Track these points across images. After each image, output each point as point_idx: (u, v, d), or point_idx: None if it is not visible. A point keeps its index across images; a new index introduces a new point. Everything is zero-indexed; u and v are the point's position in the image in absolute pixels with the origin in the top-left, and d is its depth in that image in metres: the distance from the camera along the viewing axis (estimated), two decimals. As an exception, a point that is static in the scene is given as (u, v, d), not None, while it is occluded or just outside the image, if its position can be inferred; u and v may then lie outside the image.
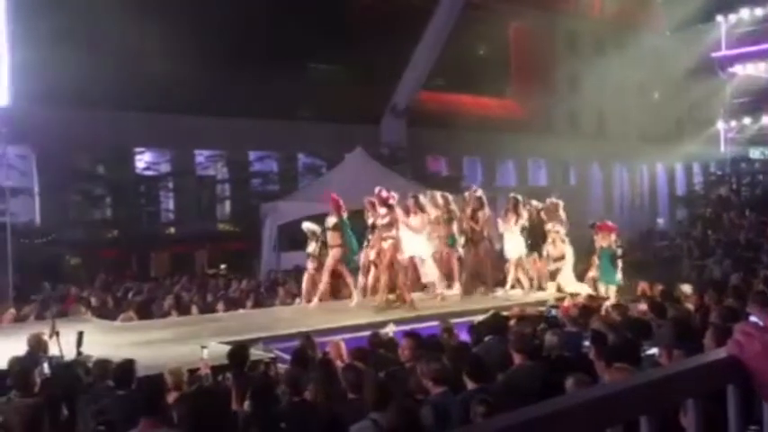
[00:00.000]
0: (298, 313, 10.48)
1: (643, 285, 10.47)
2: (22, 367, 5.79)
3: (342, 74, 24.55)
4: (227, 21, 20.03)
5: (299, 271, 13.49)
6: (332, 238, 10.86)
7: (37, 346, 6.59)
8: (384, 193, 10.38)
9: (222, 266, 19.64)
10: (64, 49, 16.11)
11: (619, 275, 10.99)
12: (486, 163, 29.69)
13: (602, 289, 10.92)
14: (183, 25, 18.84)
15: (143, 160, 21.83)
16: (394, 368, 5.23)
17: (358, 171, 18.52)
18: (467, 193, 12.17)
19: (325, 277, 10.90)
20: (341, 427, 4.14)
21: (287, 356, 6.52)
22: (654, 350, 5.61)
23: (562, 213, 11.82)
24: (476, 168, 29.59)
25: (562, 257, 11.15)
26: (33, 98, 15.64)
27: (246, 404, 4.83)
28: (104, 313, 11.50)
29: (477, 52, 31.03)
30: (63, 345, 6.69)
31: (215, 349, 7.15)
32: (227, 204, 24.73)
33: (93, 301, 12.90)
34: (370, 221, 10.79)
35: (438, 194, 11.66)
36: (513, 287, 11.46)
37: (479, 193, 11.90)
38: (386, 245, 10.23)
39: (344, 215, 10.95)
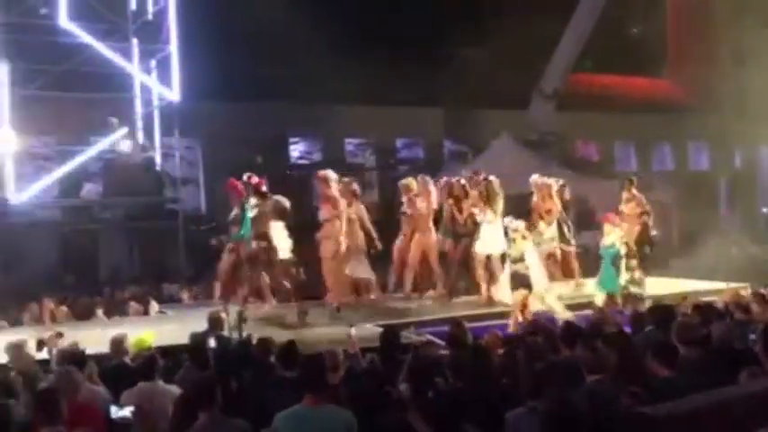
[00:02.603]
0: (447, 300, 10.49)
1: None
2: (198, 342, 6.32)
3: (489, 58, 24.25)
4: (373, 9, 20.42)
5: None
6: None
7: (216, 323, 7.10)
8: (255, 179, 8.80)
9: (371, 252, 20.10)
10: (226, 45, 17.18)
11: (622, 280, 9.17)
12: (640, 147, 28.32)
13: (598, 296, 9.09)
14: (332, 17, 19.42)
15: (297, 149, 22.83)
16: (550, 356, 5.17)
17: (504, 157, 18.30)
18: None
19: (222, 276, 9.24)
20: (498, 412, 4.16)
21: (440, 342, 6.62)
22: None
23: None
24: (629, 153, 28.33)
25: (521, 259, 8.96)
26: (200, 93, 16.80)
27: (403, 386, 4.95)
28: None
29: (631, 30, 29.55)
30: (231, 323, 7.21)
31: (366, 331, 7.41)
32: (375, 192, 25.31)
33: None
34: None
35: (430, 180, 10.03)
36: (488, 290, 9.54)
37: (464, 180, 10.09)
38: (257, 244, 8.50)
39: (249, 203, 8.98)
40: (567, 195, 10.75)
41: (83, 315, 10.94)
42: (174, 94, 15.59)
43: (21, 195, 14.58)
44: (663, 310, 6.34)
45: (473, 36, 23.35)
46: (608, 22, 23.67)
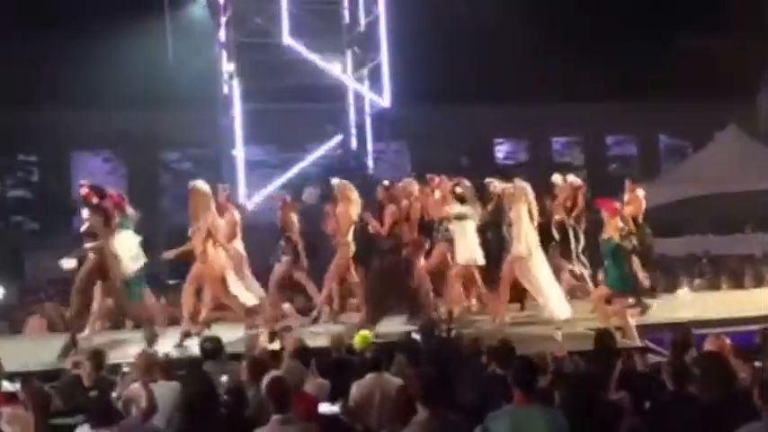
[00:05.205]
0: (664, 304, 9.83)
1: None
2: (409, 340, 6.56)
3: (713, 45, 22.44)
4: (583, 2, 19.78)
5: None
6: None
7: (429, 323, 7.31)
8: (85, 190, 7.46)
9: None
10: (432, 52, 17.59)
11: (632, 278, 7.67)
12: None
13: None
14: (535, 18, 19.12)
15: (502, 150, 22.78)
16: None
17: (730, 152, 16.90)
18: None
19: (97, 295, 7.75)
20: (722, 424, 3.87)
21: (660, 349, 6.29)
22: None
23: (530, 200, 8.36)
24: None
25: None
26: (408, 99, 17.39)
27: (620, 394, 4.76)
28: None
29: None
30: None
31: (574, 334, 7.22)
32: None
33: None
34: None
35: (351, 187, 9.00)
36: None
37: (387, 182, 9.11)
38: (90, 258, 7.17)
39: (129, 212, 7.95)
40: (581, 200, 9.30)
41: (304, 311, 11.68)
42: (384, 101, 16.31)
43: (250, 201, 16.01)
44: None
45: (700, 22, 21.72)
46: None
